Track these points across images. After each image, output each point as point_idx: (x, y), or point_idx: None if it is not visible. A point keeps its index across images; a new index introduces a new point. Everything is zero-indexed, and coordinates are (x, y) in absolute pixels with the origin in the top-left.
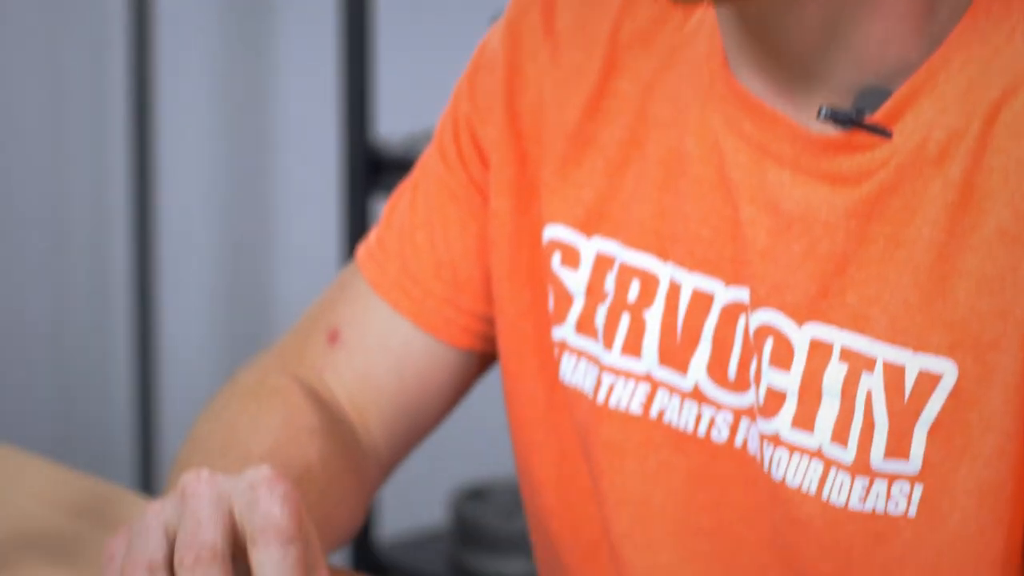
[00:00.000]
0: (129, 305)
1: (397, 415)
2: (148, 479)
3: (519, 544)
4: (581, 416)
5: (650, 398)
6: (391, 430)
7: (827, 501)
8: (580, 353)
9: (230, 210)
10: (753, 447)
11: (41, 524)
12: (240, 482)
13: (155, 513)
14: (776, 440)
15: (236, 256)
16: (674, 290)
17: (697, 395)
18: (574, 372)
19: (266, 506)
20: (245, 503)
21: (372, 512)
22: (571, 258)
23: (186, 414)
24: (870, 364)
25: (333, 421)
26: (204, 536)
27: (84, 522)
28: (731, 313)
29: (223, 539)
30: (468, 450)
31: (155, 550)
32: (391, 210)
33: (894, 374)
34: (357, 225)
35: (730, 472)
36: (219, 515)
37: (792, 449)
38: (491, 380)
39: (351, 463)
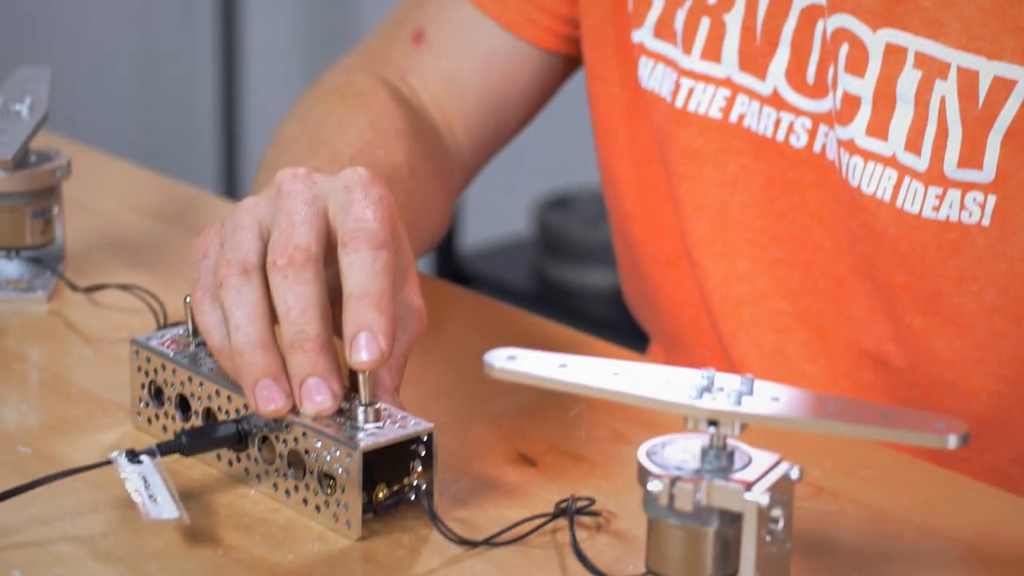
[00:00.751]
0: (213, 6)
1: (481, 117)
2: (232, 184)
3: (602, 254)
4: (659, 121)
5: (730, 103)
6: (475, 132)
7: (901, 209)
8: (658, 57)
9: None
10: (831, 154)
11: (127, 228)
12: (336, 183)
13: (249, 209)
14: (852, 147)
15: None
16: None
17: (776, 100)
18: (651, 76)
19: (359, 210)
20: (339, 205)
21: (455, 222)
22: None
23: (270, 117)
24: (944, 70)
25: (419, 124)
26: (298, 238)
27: (169, 226)
28: (809, 16)
29: (317, 241)
30: (553, 158)
31: (249, 251)
32: None
33: (968, 80)
34: None
35: (808, 178)
36: (313, 216)
37: (867, 157)
38: (577, 85)
39: (437, 167)
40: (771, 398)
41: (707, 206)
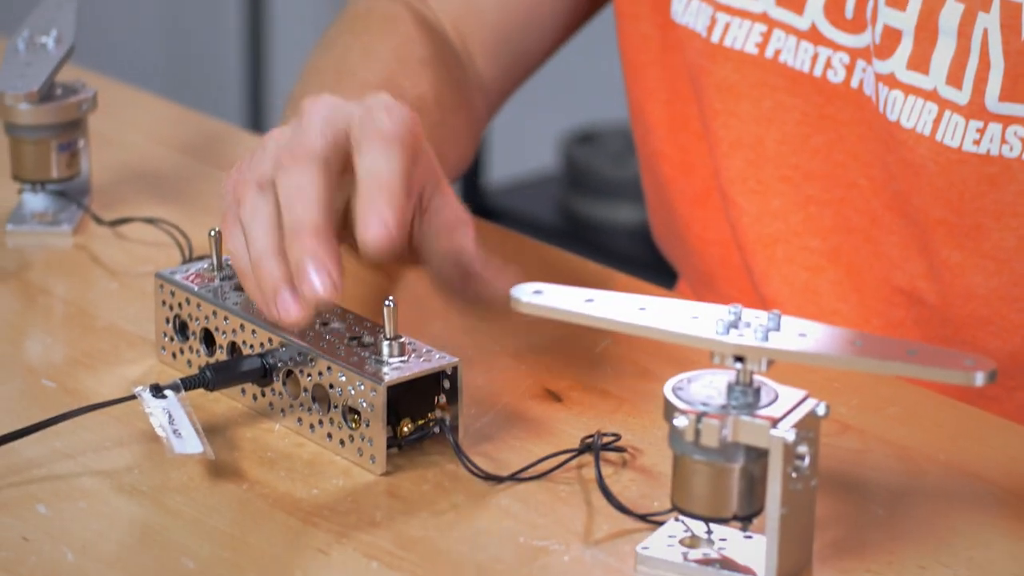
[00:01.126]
0: None
1: (500, 45)
2: (258, 117)
3: (629, 190)
4: (693, 56)
5: (766, 38)
6: (493, 61)
7: (941, 143)
8: None
9: None
10: (869, 89)
11: (153, 162)
12: (358, 105)
13: (271, 136)
14: (891, 81)
15: None
16: None
17: (813, 35)
18: (685, 11)
19: (377, 119)
20: (358, 123)
21: (481, 156)
22: None
23: (297, 50)
24: (987, 3)
25: (443, 51)
26: (304, 139)
27: (195, 160)
28: None
29: (325, 145)
30: (579, 93)
31: (266, 167)
32: None
33: (1011, 12)
34: None
35: (845, 114)
36: (328, 126)
37: (907, 91)
38: (604, 20)
39: (462, 96)
40: (798, 334)
41: (742, 143)
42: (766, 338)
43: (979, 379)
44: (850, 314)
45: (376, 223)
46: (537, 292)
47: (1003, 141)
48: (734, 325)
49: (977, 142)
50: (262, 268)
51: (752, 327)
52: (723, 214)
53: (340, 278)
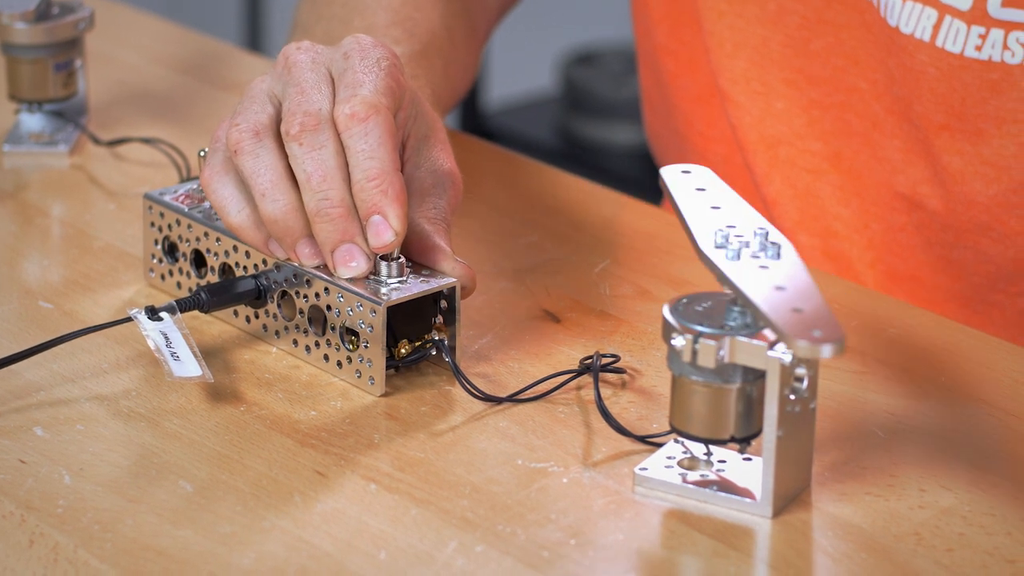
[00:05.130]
0: None
1: None
2: (255, 37)
3: (627, 111)
4: None
5: None
6: None
7: (942, 48)
8: None
9: None
10: None
11: (150, 81)
12: (336, 52)
13: (256, 84)
14: None
15: None
16: None
17: None
18: None
19: (351, 76)
20: (338, 73)
21: (480, 78)
22: None
23: None
24: None
25: None
26: (308, 104)
27: (193, 79)
28: None
29: (328, 104)
30: (578, 14)
31: (259, 115)
32: None
33: None
34: None
35: (846, 18)
36: (321, 81)
37: None
38: None
39: (470, 24)
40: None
41: (747, 43)
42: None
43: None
44: (851, 218)
45: (383, 230)
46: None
47: (1005, 47)
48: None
49: (979, 48)
50: (280, 224)
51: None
52: (725, 116)
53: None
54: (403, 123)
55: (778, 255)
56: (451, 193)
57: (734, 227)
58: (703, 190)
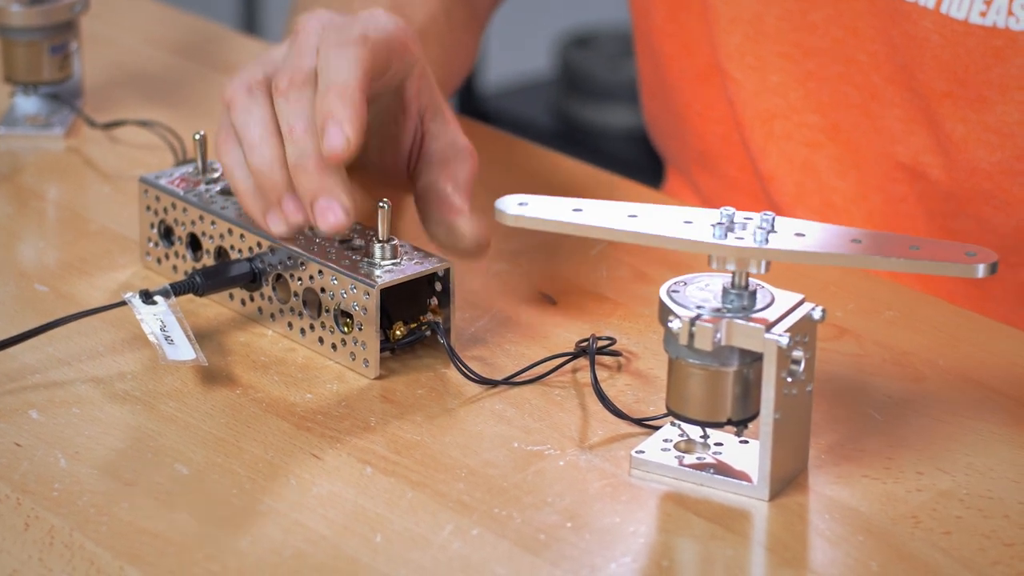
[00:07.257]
0: None
1: None
2: (252, 20)
3: (624, 93)
4: None
5: None
6: None
7: (946, 15)
8: None
9: None
10: None
11: (146, 64)
12: (351, 19)
13: (264, 52)
14: None
15: None
16: None
17: None
18: None
19: (348, 28)
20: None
21: (477, 60)
22: None
23: None
24: None
25: None
26: (300, 61)
27: (189, 61)
28: None
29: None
30: None
31: (255, 72)
32: None
33: None
34: None
35: None
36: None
37: None
38: None
39: (470, 6)
40: (795, 234)
41: (741, 18)
42: (766, 240)
43: (980, 271)
44: (849, 191)
45: (335, 134)
46: (523, 204)
47: (1010, 13)
48: (730, 228)
49: (983, 14)
50: (265, 176)
51: (749, 229)
52: (723, 91)
53: (354, 207)
54: (418, 102)
55: (773, 227)
56: (469, 165)
57: (691, 221)
58: (580, 210)
